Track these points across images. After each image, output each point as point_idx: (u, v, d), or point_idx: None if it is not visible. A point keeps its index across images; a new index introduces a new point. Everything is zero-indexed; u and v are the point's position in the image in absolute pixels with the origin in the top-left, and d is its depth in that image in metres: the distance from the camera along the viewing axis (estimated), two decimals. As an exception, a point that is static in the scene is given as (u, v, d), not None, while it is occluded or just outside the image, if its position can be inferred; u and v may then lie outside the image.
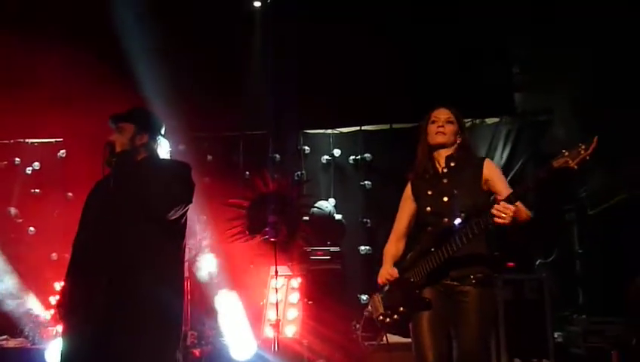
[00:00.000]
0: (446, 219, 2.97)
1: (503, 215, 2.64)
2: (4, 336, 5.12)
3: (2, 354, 4.73)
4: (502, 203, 2.67)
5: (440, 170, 3.11)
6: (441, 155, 3.12)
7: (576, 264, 5.91)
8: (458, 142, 3.12)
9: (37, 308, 5.03)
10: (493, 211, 2.67)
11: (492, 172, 3.05)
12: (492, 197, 2.95)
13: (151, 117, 3.22)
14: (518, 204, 2.69)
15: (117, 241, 2.88)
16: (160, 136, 3.13)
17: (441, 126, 3.09)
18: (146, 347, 2.83)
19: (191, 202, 3.02)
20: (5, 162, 6.84)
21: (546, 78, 6.19)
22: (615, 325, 4.56)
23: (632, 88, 4.96)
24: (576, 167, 2.56)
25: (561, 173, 2.65)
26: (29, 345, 4.77)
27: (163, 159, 3.15)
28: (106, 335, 2.79)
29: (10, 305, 4.83)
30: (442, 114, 3.13)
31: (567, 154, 2.57)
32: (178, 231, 3.05)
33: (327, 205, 6.23)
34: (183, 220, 3.07)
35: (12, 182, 6.69)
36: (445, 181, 3.07)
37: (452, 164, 3.09)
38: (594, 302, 5.47)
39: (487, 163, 3.08)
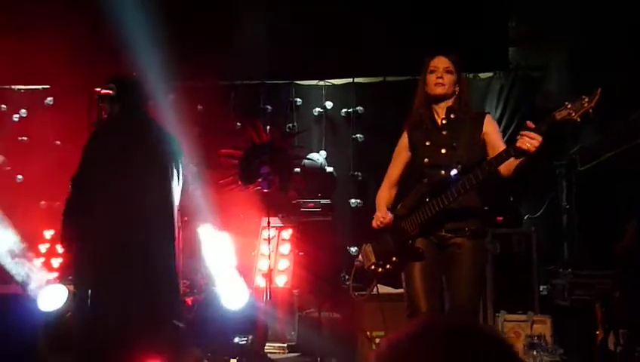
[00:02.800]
0: (443, 172, 2.97)
1: (530, 142, 2.59)
2: (-5, 283, 5.13)
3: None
4: (531, 132, 2.61)
5: (439, 121, 3.08)
6: (441, 106, 3.09)
7: (563, 219, 5.99)
8: (457, 92, 3.08)
9: (28, 255, 5.01)
10: (523, 133, 2.61)
11: (491, 127, 3.04)
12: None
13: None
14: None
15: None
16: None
17: (440, 77, 3.03)
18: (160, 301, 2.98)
19: None
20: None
21: (541, 32, 6.14)
22: (599, 279, 4.65)
23: (625, 43, 4.92)
24: (578, 119, 2.56)
25: (557, 127, 2.65)
26: (20, 291, 4.77)
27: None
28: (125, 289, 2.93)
29: (2, 252, 4.81)
30: (441, 63, 3.06)
31: (570, 106, 2.56)
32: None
33: (319, 157, 6.22)
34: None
35: (-1, 129, 6.58)
36: (444, 133, 3.05)
37: (452, 116, 3.06)
38: (580, 256, 5.57)
39: (488, 118, 3.08)
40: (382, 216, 3.12)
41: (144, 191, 3.15)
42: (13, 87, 6.66)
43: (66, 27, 5.81)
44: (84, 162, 3.25)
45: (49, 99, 6.60)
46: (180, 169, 3.42)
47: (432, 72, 3.06)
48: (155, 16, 5.60)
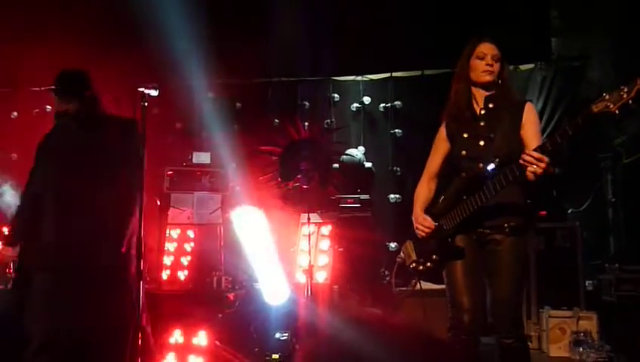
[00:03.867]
0: (481, 165, 2.89)
1: (535, 166, 2.54)
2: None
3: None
4: (534, 152, 2.56)
5: (477, 111, 2.99)
6: (480, 95, 2.98)
7: (609, 212, 5.84)
8: (499, 80, 3.00)
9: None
10: (523, 160, 2.57)
11: (529, 118, 2.92)
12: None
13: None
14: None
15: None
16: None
17: (490, 64, 2.92)
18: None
19: None
20: (37, 110, 6.90)
21: (583, 21, 5.98)
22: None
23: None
24: (617, 111, 2.44)
25: (600, 119, 2.56)
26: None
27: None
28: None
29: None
30: (490, 50, 2.93)
31: (607, 97, 2.45)
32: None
33: (357, 153, 6.21)
34: None
35: (44, 129, 6.75)
36: (482, 124, 2.95)
37: (490, 106, 2.95)
38: (626, 250, 5.43)
39: (528, 106, 2.94)
40: (422, 224, 3.04)
41: (96, 191, 3.16)
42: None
43: (106, 28, 5.94)
44: (38, 160, 3.34)
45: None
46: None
47: (479, 57, 2.94)
48: (194, 15, 5.68)
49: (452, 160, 3.08)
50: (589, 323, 4.84)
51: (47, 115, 6.82)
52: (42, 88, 6.85)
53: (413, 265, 3.12)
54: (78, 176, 3.17)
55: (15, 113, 6.96)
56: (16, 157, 6.48)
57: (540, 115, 5.79)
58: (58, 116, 3.38)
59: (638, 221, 5.34)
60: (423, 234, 3.05)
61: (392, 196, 6.24)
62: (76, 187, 3.14)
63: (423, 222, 3.05)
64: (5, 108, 6.97)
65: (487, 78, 2.93)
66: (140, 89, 3.12)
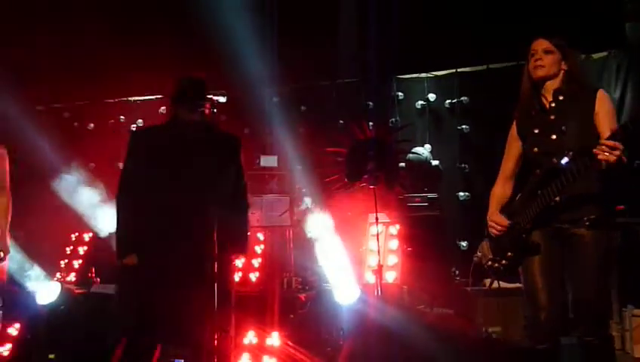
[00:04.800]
0: (555, 160, 2.82)
1: (607, 154, 2.48)
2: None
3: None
4: (607, 140, 2.50)
5: (547, 105, 2.93)
6: (548, 89, 2.93)
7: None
8: (564, 70, 2.92)
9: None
10: (597, 149, 2.51)
11: (604, 105, 2.82)
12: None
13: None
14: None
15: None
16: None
17: (539, 58, 2.90)
18: None
19: None
20: (112, 120, 7.21)
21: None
22: None
23: None
24: None
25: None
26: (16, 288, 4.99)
27: None
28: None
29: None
30: (539, 45, 2.93)
31: None
32: None
33: (424, 151, 6.14)
34: None
35: (119, 139, 7.04)
36: (552, 117, 2.89)
37: (560, 98, 2.90)
38: None
39: (600, 94, 2.85)
40: (496, 222, 3.02)
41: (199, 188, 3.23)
42: (129, 98, 7.12)
43: (174, 38, 6.13)
44: (142, 164, 3.31)
45: (162, 109, 6.98)
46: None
47: (532, 55, 2.96)
48: (253, 20, 5.78)
49: (526, 158, 3.04)
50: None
51: (121, 126, 7.13)
52: (116, 100, 7.19)
53: (489, 263, 3.08)
54: (193, 189, 3.21)
55: (92, 125, 7.30)
56: (93, 167, 6.78)
57: (619, 105, 5.54)
58: (177, 125, 3.35)
59: None
60: (496, 231, 3.00)
61: (460, 194, 6.12)
62: (190, 198, 3.20)
63: (496, 220, 3.01)
64: (82, 120, 7.32)
65: (538, 72, 2.93)
66: (209, 96, 3.23)
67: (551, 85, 2.93)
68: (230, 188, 3.36)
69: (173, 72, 5.94)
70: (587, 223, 2.78)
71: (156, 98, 7.05)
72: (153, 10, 5.95)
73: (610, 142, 2.49)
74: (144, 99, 7.13)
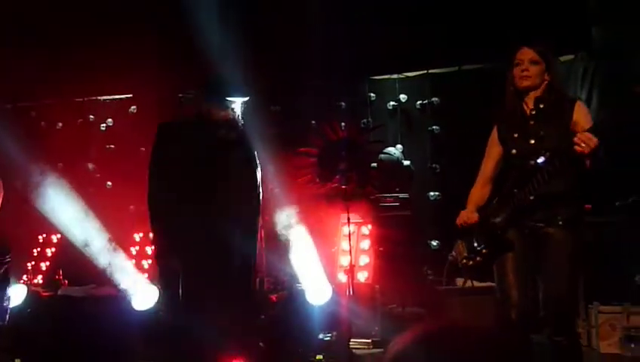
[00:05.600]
0: (532, 162, 2.90)
1: (583, 144, 2.61)
2: (92, 285, 5.41)
3: (92, 302, 5.01)
4: (585, 133, 2.62)
5: (528, 112, 3.02)
6: (530, 97, 3.03)
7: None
8: (547, 80, 3.00)
9: (121, 257, 5.26)
10: (576, 139, 2.62)
11: (582, 115, 2.93)
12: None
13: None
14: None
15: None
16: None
17: (526, 69, 2.98)
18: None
19: None
20: (81, 120, 7.09)
21: (624, 8, 5.81)
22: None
23: None
24: None
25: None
26: (116, 292, 5.01)
27: None
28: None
29: (98, 255, 5.07)
30: (525, 54, 3.00)
31: None
32: None
33: (395, 151, 6.18)
34: None
35: (88, 138, 6.94)
36: (532, 123, 2.99)
37: (541, 106, 2.99)
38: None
39: (578, 105, 2.98)
40: (467, 215, 3.08)
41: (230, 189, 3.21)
42: (99, 97, 7.01)
43: (146, 36, 6.05)
44: (165, 161, 3.29)
45: (133, 108, 6.89)
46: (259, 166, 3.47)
47: (517, 64, 3.03)
48: (230, 21, 5.74)
49: (504, 161, 3.12)
50: (640, 318, 4.71)
51: (91, 125, 7.01)
52: (85, 99, 7.07)
53: (464, 261, 3.13)
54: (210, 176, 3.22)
55: (60, 124, 7.17)
56: (61, 166, 6.66)
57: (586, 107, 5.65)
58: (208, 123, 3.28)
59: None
60: (461, 221, 3.07)
61: (431, 194, 6.17)
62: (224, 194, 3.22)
63: (467, 214, 3.07)
64: (50, 119, 7.18)
65: (524, 83, 3.00)
66: (180, 95, 3.20)
67: (533, 93, 3.02)
68: (256, 190, 3.34)
69: (143, 71, 5.97)
70: (560, 222, 2.85)
71: (126, 97, 6.96)
72: (123, 8, 5.86)
73: (588, 135, 2.60)
74: (114, 99, 7.02)
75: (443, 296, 4.66)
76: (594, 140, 2.59)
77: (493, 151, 3.16)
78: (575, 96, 3.16)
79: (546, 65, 3.00)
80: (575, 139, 2.64)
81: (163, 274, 3.41)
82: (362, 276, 5.23)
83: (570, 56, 6.01)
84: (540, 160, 2.84)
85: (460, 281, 3.34)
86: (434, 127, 6.26)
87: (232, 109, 3.20)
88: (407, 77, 6.45)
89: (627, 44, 5.86)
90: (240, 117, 3.29)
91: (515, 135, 3.02)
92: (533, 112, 3.00)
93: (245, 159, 3.28)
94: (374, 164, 6.05)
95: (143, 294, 4.72)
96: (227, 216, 3.18)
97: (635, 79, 5.56)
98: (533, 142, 2.94)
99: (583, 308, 5.04)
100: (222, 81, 3.32)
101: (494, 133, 3.15)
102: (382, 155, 6.11)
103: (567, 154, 2.71)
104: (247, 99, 3.16)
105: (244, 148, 3.30)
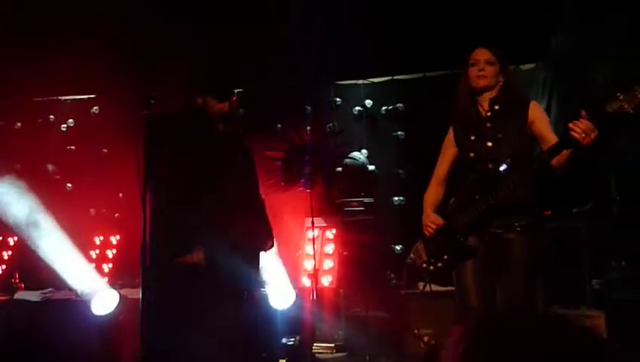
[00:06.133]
0: (490, 165, 2.91)
1: (584, 134, 2.52)
2: (50, 289, 5.28)
3: (50, 306, 4.89)
4: (587, 122, 2.54)
5: (483, 113, 3.03)
6: (485, 98, 3.03)
7: (615, 211, 5.82)
8: (501, 82, 3.02)
9: (81, 261, 5.15)
10: (574, 126, 2.54)
11: (537, 114, 2.96)
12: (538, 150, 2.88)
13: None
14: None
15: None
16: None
17: (482, 69, 2.98)
18: None
19: None
20: (40, 120, 6.92)
21: (585, 19, 5.97)
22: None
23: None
24: (632, 110, 2.45)
25: (609, 119, 2.55)
26: (74, 296, 4.91)
27: None
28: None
29: (55, 258, 4.95)
30: (481, 55, 3.01)
31: (622, 97, 2.46)
32: None
33: (360, 156, 6.20)
34: None
35: (48, 139, 6.78)
36: (489, 125, 2.99)
37: (496, 107, 3.00)
38: (632, 248, 5.40)
39: (532, 105, 2.99)
40: (431, 221, 3.08)
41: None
42: (60, 97, 6.85)
43: (106, 36, 5.96)
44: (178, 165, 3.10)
45: (95, 109, 6.76)
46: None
47: (473, 64, 3.02)
48: (187, 18, 5.69)
49: (461, 164, 3.11)
50: (597, 321, 4.82)
51: (51, 125, 6.85)
52: (45, 99, 6.91)
53: (424, 265, 3.12)
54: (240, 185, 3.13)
55: (19, 124, 6.98)
56: (19, 168, 6.49)
57: (547, 114, 5.77)
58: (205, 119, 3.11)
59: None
60: (431, 230, 3.06)
61: (396, 199, 6.22)
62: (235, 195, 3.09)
63: (431, 219, 3.07)
64: (8, 119, 6.99)
65: (481, 82, 3.00)
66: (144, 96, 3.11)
67: (488, 95, 3.02)
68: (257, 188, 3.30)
69: (104, 71, 5.86)
70: (518, 229, 2.88)
71: (88, 98, 6.82)
72: (84, 7, 5.75)
73: (589, 124, 2.52)
74: (75, 99, 6.87)
75: (405, 300, 4.69)
76: (595, 132, 2.52)
77: (448, 152, 3.16)
78: (528, 99, 3.16)
79: (501, 66, 3.01)
80: (571, 125, 2.55)
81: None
82: (326, 280, 5.23)
83: (531, 65, 6.14)
84: (502, 167, 2.86)
85: (420, 285, 3.35)
86: (399, 132, 6.31)
87: (230, 102, 3.08)
88: (373, 82, 6.49)
89: (584, 53, 6.03)
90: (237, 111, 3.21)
91: (472, 137, 3.02)
92: (489, 114, 3.00)
93: (245, 155, 3.22)
94: (339, 169, 6.07)
95: (102, 298, 4.62)
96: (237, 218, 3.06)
97: (592, 88, 5.75)
98: (490, 144, 2.95)
99: (542, 311, 5.14)
100: (216, 73, 3.23)
101: (450, 134, 3.15)
102: (347, 160, 6.13)
103: (528, 160, 2.73)
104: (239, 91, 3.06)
105: (243, 143, 3.25)
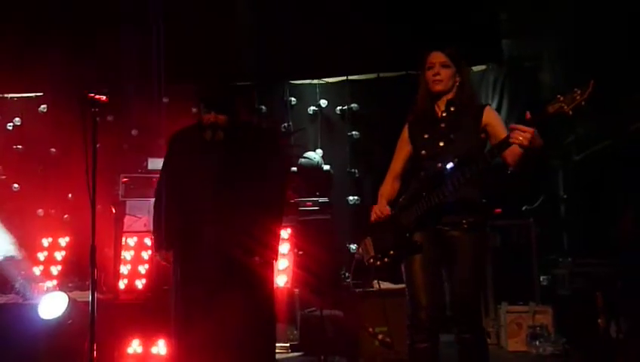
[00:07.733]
0: (440, 164, 2.97)
1: (522, 135, 2.59)
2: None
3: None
4: (518, 125, 2.62)
5: (439, 114, 3.08)
6: (442, 100, 3.08)
7: (561, 209, 6.00)
8: (457, 83, 3.08)
9: (27, 263, 5.00)
10: (513, 127, 2.63)
11: (492, 118, 3.03)
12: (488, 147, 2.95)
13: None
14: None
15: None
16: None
17: (437, 73, 3.03)
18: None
19: None
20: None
21: (534, 23, 6.14)
22: (600, 267, 4.66)
23: (618, 33, 4.93)
24: (571, 112, 2.55)
25: (551, 120, 2.63)
26: (20, 300, 4.76)
27: None
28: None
29: (2, 260, 4.80)
30: (436, 58, 3.05)
31: (562, 99, 2.55)
32: None
33: (315, 156, 6.22)
34: None
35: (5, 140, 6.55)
36: (443, 125, 3.04)
37: (452, 109, 3.05)
38: (578, 245, 5.58)
39: (487, 109, 3.06)
40: (379, 209, 3.13)
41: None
42: (6, 95, 6.63)
43: (58, 34, 5.82)
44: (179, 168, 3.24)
45: (43, 107, 6.56)
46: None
47: (429, 68, 3.06)
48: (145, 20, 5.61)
49: (413, 161, 3.17)
50: (545, 317, 4.97)
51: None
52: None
53: (371, 261, 3.15)
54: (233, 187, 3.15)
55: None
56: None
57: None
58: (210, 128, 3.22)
59: (589, 216, 5.50)
60: (375, 216, 3.13)
61: (350, 198, 6.26)
62: (231, 197, 3.12)
63: (380, 208, 3.13)
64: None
65: (437, 87, 3.05)
66: (90, 94, 3.04)
67: (445, 96, 3.07)
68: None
69: (54, 68, 5.71)
70: (465, 226, 2.94)
71: (36, 96, 6.62)
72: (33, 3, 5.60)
73: (522, 127, 2.61)
74: (22, 97, 6.65)
75: (359, 299, 4.72)
76: (530, 130, 2.58)
77: (403, 149, 3.21)
78: (484, 104, 3.23)
79: (456, 68, 3.06)
80: (511, 127, 2.63)
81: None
82: (281, 280, 5.21)
83: (482, 67, 6.28)
84: (449, 165, 2.91)
85: (375, 284, 3.38)
86: (353, 132, 6.36)
87: (224, 116, 3.20)
88: (328, 82, 6.52)
89: (534, 56, 6.21)
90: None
91: (425, 136, 3.07)
92: (444, 115, 3.06)
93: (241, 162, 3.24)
94: (294, 168, 6.07)
95: (50, 302, 4.49)
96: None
97: (540, 90, 5.91)
98: (442, 144, 3.01)
99: (492, 309, 5.27)
100: (204, 88, 3.38)
101: (405, 132, 3.20)
102: (302, 160, 6.14)
103: (476, 161, 2.79)
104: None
105: (235, 145, 3.25)
